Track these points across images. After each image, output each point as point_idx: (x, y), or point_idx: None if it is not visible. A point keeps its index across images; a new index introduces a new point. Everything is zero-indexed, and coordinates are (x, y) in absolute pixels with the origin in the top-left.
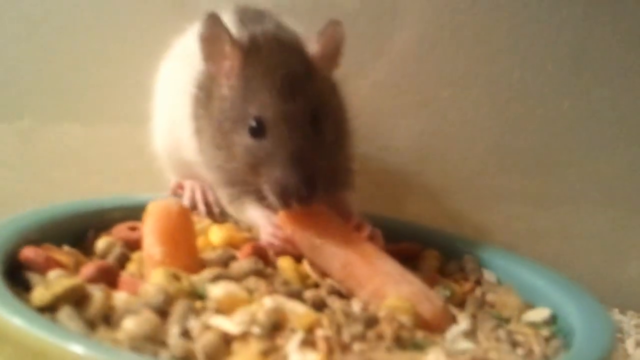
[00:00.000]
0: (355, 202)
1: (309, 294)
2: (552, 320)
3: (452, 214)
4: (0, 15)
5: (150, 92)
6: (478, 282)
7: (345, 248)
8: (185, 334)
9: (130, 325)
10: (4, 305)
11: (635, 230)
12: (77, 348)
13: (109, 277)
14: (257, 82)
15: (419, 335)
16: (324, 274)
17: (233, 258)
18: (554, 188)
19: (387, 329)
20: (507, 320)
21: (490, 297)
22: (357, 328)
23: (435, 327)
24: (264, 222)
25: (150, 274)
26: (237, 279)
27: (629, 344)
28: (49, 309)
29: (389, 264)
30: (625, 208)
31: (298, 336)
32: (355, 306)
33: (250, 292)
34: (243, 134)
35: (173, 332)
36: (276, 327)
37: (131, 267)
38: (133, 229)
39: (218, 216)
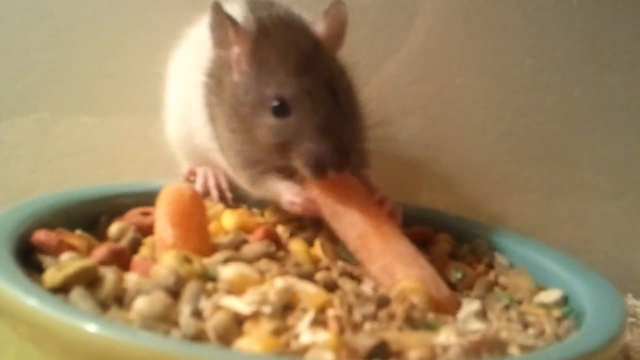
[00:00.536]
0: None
1: (320, 275)
2: (564, 302)
3: (465, 202)
4: (14, 6)
5: (163, 82)
6: (490, 266)
7: (364, 219)
8: (197, 314)
9: (141, 305)
10: (17, 286)
11: None
12: (89, 327)
13: (121, 260)
14: (271, 64)
15: (430, 315)
16: (334, 257)
17: (245, 242)
18: (566, 176)
19: (398, 309)
20: (519, 302)
21: (502, 279)
22: (369, 308)
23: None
24: (286, 187)
25: (162, 257)
26: (249, 261)
27: None
28: (62, 290)
29: (404, 244)
30: (637, 195)
31: (309, 315)
32: (367, 287)
33: (261, 273)
34: (265, 116)
35: (184, 312)
36: (287, 307)
37: (143, 251)
38: (146, 214)
39: (231, 202)
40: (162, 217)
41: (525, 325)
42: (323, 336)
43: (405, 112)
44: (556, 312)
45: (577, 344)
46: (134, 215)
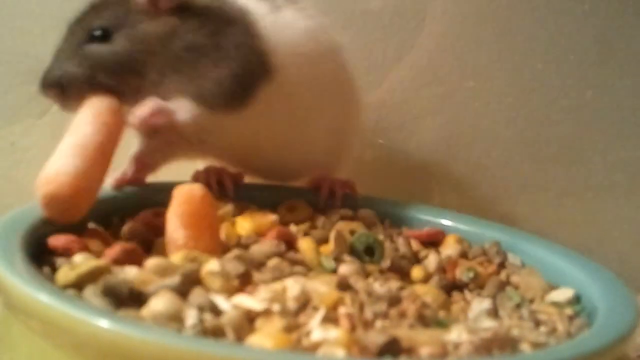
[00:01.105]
0: None
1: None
2: (576, 300)
3: (476, 203)
4: (28, 10)
5: None
6: (502, 265)
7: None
8: (208, 311)
9: (154, 303)
10: (30, 283)
11: None
12: (102, 322)
13: (134, 259)
14: None
15: (441, 313)
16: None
17: (255, 242)
18: (579, 176)
19: (410, 308)
20: (530, 301)
21: (514, 278)
22: (380, 306)
23: None
24: None
25: (173, 257)
26: (258, 260)
27: None
28: (75, 288)
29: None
30: None
31: (321, 313)
32: (378, 287)
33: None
34: None
35: (196, 309)
36: (299, 305)
37: (155, 251)
38: (158, 214)
39: (232, 197)
40: (173, 217)
41: (537, 324)
42: (334, 333)
43: (418, 114)
44: (568, 311)
45: (589, 341)
46: (146, 216)
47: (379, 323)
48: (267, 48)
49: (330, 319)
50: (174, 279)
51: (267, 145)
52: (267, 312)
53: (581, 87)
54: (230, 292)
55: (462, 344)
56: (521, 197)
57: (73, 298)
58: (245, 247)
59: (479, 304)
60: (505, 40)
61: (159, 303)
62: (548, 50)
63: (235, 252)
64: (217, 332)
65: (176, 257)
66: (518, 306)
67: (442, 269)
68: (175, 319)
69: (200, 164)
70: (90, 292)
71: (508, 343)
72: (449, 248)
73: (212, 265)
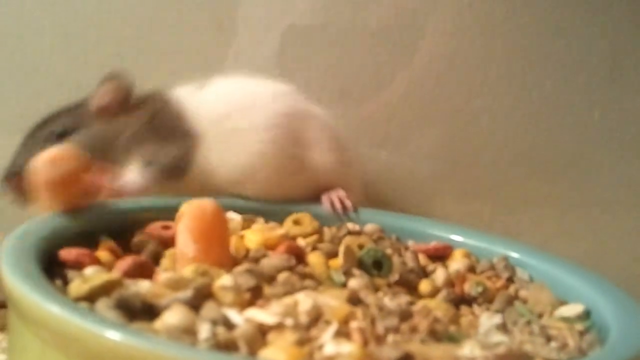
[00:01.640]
0: None
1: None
2: (586, 316)
3: (481, 216)
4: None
5: None
6: (510, 280)
7: None
8: (220, 325)
9: (167, 316)
10: (42, 294)
11: None
12: (115, 335)
13: (145, 272)
14: None
15: (453, 328)
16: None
17: (265, 256)
18: (584, 192)
19: (421, 322)
20: (539, 316)
21: (522, 293)
22: (392, 321)
23: None
24: None
25: (183, 270)
26: (268, 274)
27: None
28: (87, 301)
29: None
30: None
31: (333, 327)
32: (389, 301)
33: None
34: None
35: (209, 323)
36: (311, 319)
37: (165, 263)
38: (166, 227)
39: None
40: (183, 231)
41: (548, 339)
42: (347, 347)
43: (423, 131)
44: (578, 326)
45: (604, 358)
46: (155, 228)
47: (390, 337)
48: (191, 125)
49: (342, 333)
50: (187, 293)
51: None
52: (279, 326)
53: (589, 106)
54: (242, 305)
55: (475, 359)
56: (524, 210)
57: (86, 310)
58: (255, 260)
59: (489, 319)
60: (514, 59)
61: (172, 316)
62: (556, 70)
63: (245, 265)
64: (230, 346)
65: (187, 271)
66: (528, 321)
67: (450, 283)
68: (188, 332)
69: None
70: (103, 305)
71: (522, 358)
72: (457, 262)
73: (224, 279)
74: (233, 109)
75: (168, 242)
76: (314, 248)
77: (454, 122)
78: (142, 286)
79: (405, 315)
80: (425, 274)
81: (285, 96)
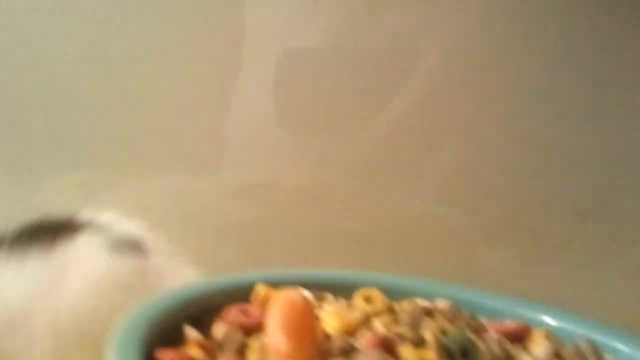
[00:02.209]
0: None
1: None
2: None
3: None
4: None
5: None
6: None
7: None
8: None
9: None
10: None
11: None
12: None
13: None
14: None
15: None
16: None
17: (354, 349)
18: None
19: None
20: None
21: None
22: None
23: None
24: None
25: None
26: None
27: None
28: None
29: None
30: None
31: None
32: None
33: None
34: None
35: None
36: None
37: (252, 357)
38: (245, 312)
39: None
40: (275, 325)
41: None
42: None
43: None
44: None
45: None
46: (233, 314)
47: None
48: None
49: None
50: None
51: None
52: None
53: (612, 144)
54: None
55: None
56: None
57: None
58: (345, 354)
59: None
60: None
61: None
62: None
63: None
64: None
65: None
66: None
67: None
68: None
69: None
70: None
71: None
72: (540, 346)
73: None
74: None
75: (248, 329)
76: (400, 337)
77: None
78: None
79: None
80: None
81: None
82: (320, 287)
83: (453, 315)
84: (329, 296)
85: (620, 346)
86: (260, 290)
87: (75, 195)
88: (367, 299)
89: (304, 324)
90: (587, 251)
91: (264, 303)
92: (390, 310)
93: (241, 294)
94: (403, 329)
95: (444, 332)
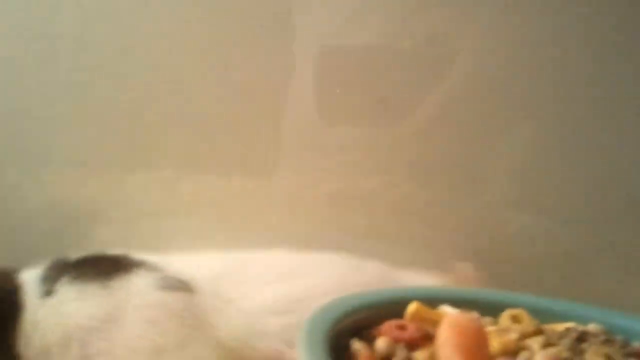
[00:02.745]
0: None
1: None
2: None
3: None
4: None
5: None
6: None
7: None
8: None
9: None
10: None
11: None
12: None
13: None
14: None
15: None
16: None
17: None
18: None
19: None
20: None
21: None
22: None
23: None
24: None
25: None
26: None
27: None
28: None
29: None
30: None
31: None
32: None
33: None
34: None
35: None
36: None
37: None
38: (401, 327)
39: None
40: (449, 348)
41: None
42: None
43: None
44: None
45: None
46: (391, 330)
47: None
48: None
49: None
50: None
51: None
52: None
53: None
54: None
55: None
56: None
57: None
58: None
59: None
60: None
61: None
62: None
63: None
64: None
65: None
66: None
67: None
68: None
69: None
70: None
71: None
72: None
73: None
74: None
75: (407, 344)
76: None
77: None
78: None
79: None
80: None
81: None
82: (468, 305)
83: (605, 339)
84: (475, 314)
85: None
86: (414, 306)
87: (137, 195)
88: (514, 319)
89: (478, 347)
90: None
91: (416, 319)
92: (540, 332)
93: (392, 309)
94: (566, 353)
95: (608, 357)
